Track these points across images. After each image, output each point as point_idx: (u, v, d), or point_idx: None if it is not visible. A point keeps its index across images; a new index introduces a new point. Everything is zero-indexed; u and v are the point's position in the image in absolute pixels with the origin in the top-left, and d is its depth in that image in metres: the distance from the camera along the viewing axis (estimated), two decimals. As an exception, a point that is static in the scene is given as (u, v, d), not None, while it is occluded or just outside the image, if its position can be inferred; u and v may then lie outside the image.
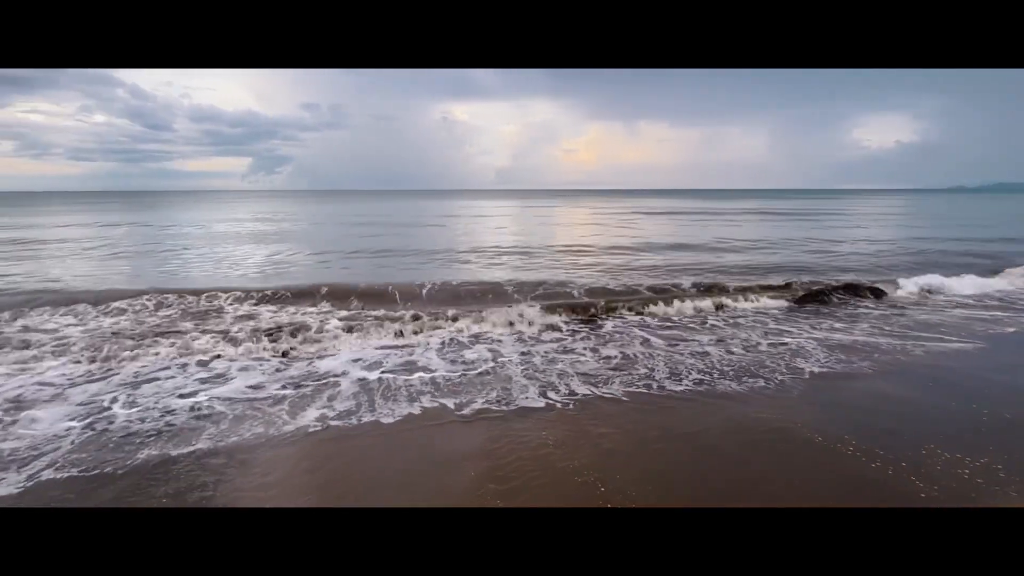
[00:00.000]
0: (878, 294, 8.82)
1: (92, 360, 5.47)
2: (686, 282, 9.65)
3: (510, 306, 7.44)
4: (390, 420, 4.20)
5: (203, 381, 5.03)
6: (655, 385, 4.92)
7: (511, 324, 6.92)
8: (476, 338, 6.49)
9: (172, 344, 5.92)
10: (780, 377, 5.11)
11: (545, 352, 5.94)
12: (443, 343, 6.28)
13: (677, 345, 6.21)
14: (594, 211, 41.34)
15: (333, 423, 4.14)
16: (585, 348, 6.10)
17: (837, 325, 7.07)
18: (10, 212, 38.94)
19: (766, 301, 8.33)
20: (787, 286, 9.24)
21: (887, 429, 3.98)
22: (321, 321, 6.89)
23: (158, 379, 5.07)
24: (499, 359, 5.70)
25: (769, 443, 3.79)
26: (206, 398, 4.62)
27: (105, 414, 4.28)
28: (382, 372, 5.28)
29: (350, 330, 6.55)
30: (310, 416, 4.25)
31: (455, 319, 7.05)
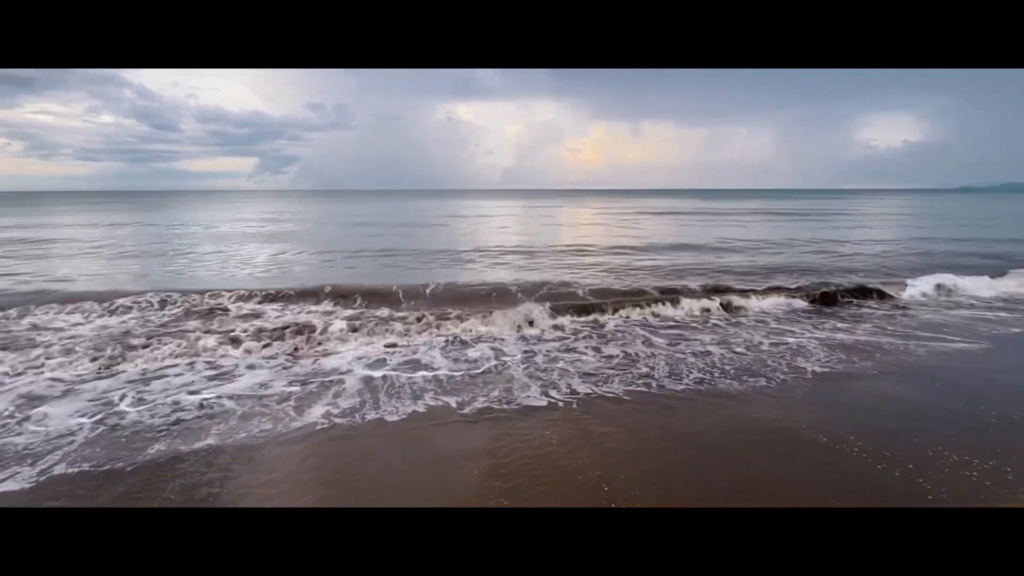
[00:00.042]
0: (886, 297, 8.76)
1: (100, 357, 5.55)
2: (691, 283, 9.64)
3: (514, 307, 7.48)
4: (394, 418, 4.25)
5: (211, 378, 5.09)
6: (656, 384, 4.94)
7: (514, 324, 6.95)
8: (479, 337, 6.53)
9: (179, 343, 6.00)
10: (782, 377, 5.11)
11: (547, 351, 5.97)
12: (446, 342, 6.33)
13: (679, 344, 6.23)
14: (598, 211, 41.26)
15: (338, 420, 4.19)
16: (587, 347, 6.12)
17: (840, 325, 7.06)
18: (19, 212, 39.29)
19: (774, 299, 8.32)
20: (796, 289, 9.18)
21: (891, 429, 3.98)
22: (326, 321, 6.95)
23: (166, 376, 5.14)
24: (502, 358, 5.73)
25: (771, 443, 3.80)
26: (214, 395, 4.68)
27: (115, 411, 4.35)
28: (386, 371, 5.33)
29: (355, 329, 6.62)
30: (316, 413, 4.31)
31: (459, 319, 7.09)
